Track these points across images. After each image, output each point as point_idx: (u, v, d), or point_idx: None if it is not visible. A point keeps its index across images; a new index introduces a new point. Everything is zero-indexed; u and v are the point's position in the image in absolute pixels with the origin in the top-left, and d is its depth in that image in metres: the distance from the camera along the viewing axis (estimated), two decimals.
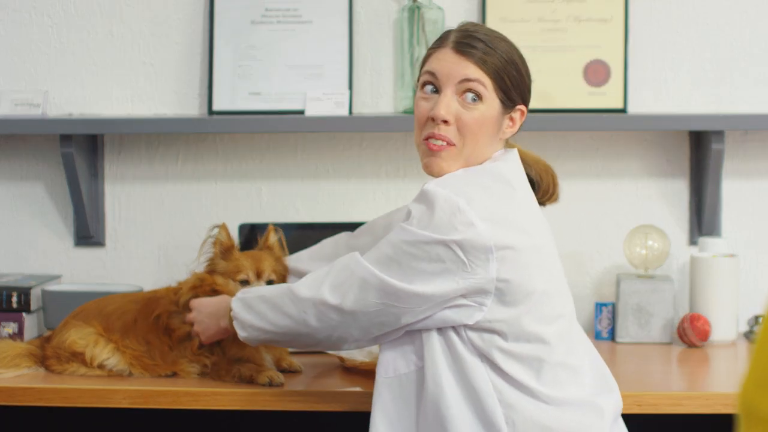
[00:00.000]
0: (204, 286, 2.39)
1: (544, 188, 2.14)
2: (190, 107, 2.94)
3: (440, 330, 1.95)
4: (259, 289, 2.15)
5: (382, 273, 1.93)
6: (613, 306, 2.80)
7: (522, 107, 2.03)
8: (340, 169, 2.95)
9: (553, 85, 2.85)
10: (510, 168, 2.01)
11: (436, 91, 2.00)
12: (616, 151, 2.92)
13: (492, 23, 2.86)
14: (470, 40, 1.99)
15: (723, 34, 2.89)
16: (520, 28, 2.86)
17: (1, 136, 2.96)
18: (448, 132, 1.97)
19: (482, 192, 1.93)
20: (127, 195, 2.98)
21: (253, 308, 2.11)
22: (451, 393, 1.93)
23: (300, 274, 2.41)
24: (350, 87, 2.86)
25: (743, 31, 2.89)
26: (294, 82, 2.87)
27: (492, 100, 1.98)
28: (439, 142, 1.98)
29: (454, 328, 1.94)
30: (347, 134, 2.94)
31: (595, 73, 2.86)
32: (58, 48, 2.96)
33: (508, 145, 2.09)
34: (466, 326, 1.92)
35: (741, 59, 2.89)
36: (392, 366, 2.00)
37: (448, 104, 1.97)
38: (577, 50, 2.87)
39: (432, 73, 2.00)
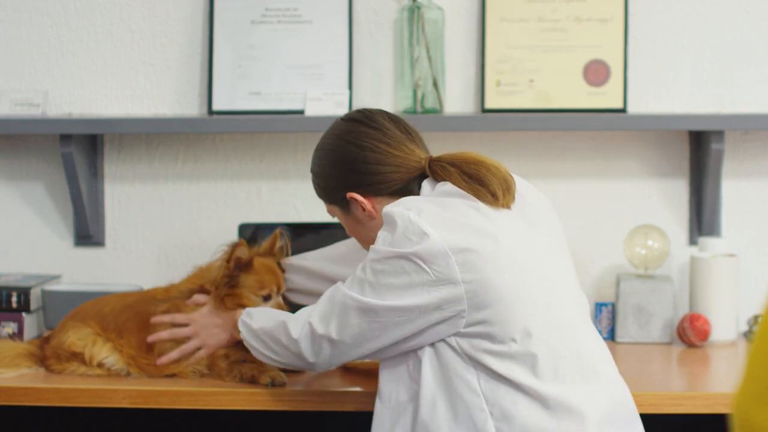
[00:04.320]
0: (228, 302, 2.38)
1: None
2: (190, 107, 2.94)
3: (433, 345, 1.98)
4: (261, 317, 2.22)
5: (357, 294, 1.99)
6: (613, 306, 2.80)
7: (349, 194, 2.10)
8: None
9: (553, 85, 2.85)
10: (450, 188, 2.02)
11: None
12: (616, 151, 2.92)
13: (492, 23, 2.86)
14: None
15: (723, 34, 2.89)
16: (520, 28, 2.86)
17: (1, 136, 2.96)
18: None
19: (435, 205, 1.98)
20: (127, 195, 2.97)
21: (259, 337, 2.20)
22: (443, 411, 1.94)
23: (327, 278, 2.45)
24: (350, 87, 2.86)
25: (743, 31, 2.89)
26: (294, 82, 2.87)
27: (331, 206, 2.18)
28: None
29: (445, 340, 1.96)
30: None
31: (595, 73, 2.86)
32: (58, 48, 2.95)
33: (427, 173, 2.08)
34: (456, 334, 1.95)
35: (741, 59, 2.89)
36: (394, 395, 2.03)
37: (331, 212, 2.20)
38: (577, 50, 2.87)
39: None
